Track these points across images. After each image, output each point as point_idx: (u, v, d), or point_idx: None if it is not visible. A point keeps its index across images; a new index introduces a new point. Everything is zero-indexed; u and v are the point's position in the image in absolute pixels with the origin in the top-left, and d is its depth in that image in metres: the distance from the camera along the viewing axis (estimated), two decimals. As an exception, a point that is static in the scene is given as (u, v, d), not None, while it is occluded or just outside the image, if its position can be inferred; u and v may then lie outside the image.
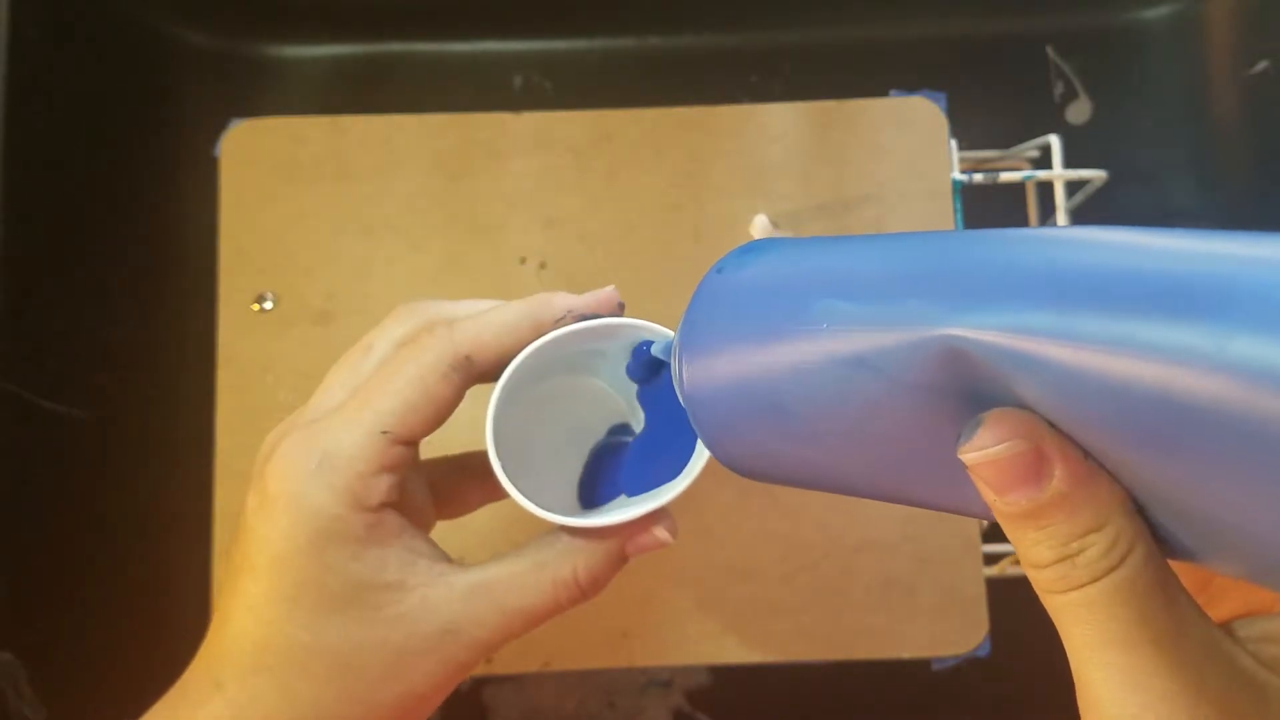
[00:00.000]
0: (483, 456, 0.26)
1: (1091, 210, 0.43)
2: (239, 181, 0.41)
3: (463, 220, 0.42)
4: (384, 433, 0.24)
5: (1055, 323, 0.15)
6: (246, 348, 0.40)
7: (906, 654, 0.39)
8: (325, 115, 0.42)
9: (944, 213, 0.42)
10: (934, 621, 0.39)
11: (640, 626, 0.39)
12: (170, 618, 0.42)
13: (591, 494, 0.30)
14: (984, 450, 0.16)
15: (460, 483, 0.31)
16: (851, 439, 0.19)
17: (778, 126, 0.43)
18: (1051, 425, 0.15)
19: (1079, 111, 0.48)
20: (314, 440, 0.24)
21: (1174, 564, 0.20)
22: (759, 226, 0.41)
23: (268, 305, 0.40)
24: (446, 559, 0.26)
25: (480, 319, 0.26)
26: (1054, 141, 0.42)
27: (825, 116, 0.43)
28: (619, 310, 0.28)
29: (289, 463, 0.24)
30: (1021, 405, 0.16)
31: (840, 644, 0.39)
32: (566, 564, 0.26)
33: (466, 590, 0.25)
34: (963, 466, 0.16)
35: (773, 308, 0.20)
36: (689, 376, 0.22)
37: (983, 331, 0.15)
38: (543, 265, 0.42)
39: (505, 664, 0.39)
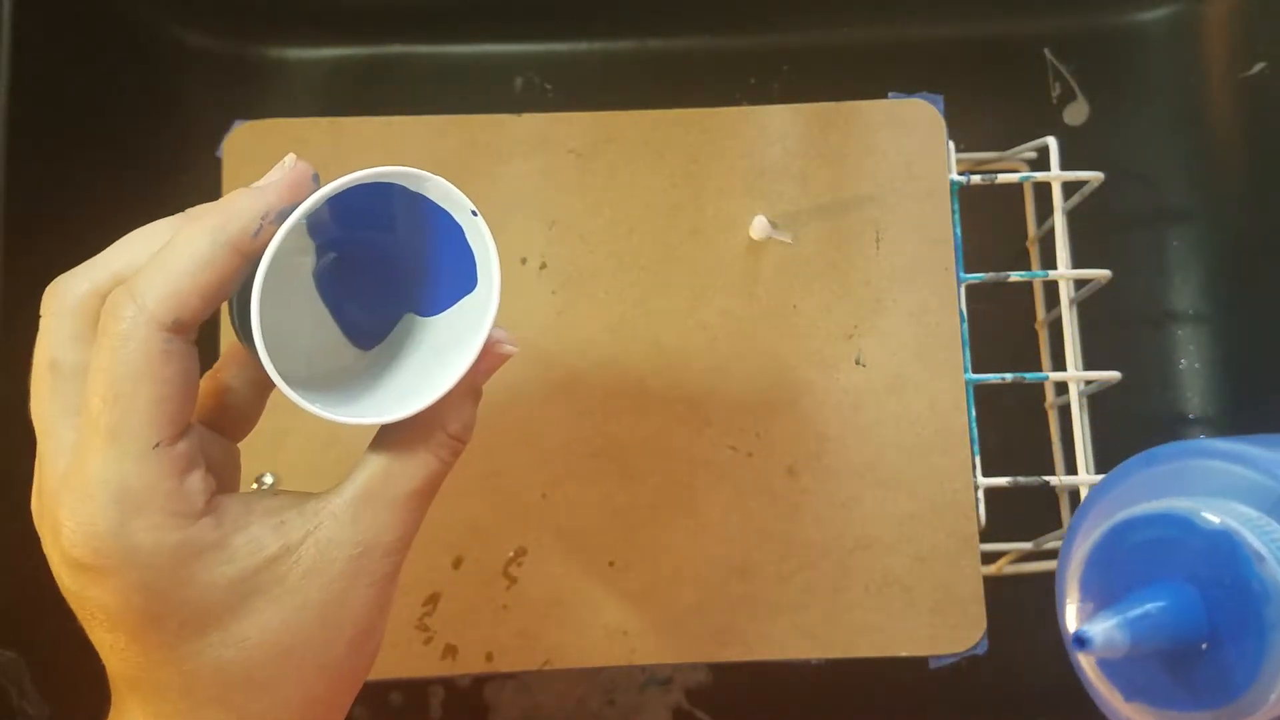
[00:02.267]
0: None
1: (1088, 211, 0.43)
2: (242, 182, 0.41)
3: (464, 221, 0.42)
4: (156, 446, 0.21)
5: None
6: (249, 348, 0.40)
7: (904, 652, 0.39)
8: (327, 117, 0.43)
9: (942, 214, 0.42)
10: (932, 620, 0.39)
11: (640, 625, 0.39)
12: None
13: (367, 330, 0.27)
14: None
15: (246, 406, 0.28)
16: None
17: (777, 128, 0.43)
18: None
19: (1076, 113, 0.49)
20: (94, 491, 0.21)
21: None
22: (758, 228, 0.41)
23: (270, 305, 0.41)
24: (307, 495, 0.24)
25: (164, 270, 0.21)
26: (1051, 143, 0.42)
27: (824, 118, 0.43)
28: (314, 180, 0.24)
29: (88, 528, 0.21)
30: None
31: (839, 642, 0.39)
32: (435, 430, 0.24)
33: (350, 511, 0.24)
34: None
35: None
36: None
37: None
38: (544, 265, 0.42)
39: (505, 662, 0.39)
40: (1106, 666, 0.18)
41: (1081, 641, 0.17)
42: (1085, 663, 0.18)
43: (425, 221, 0.25)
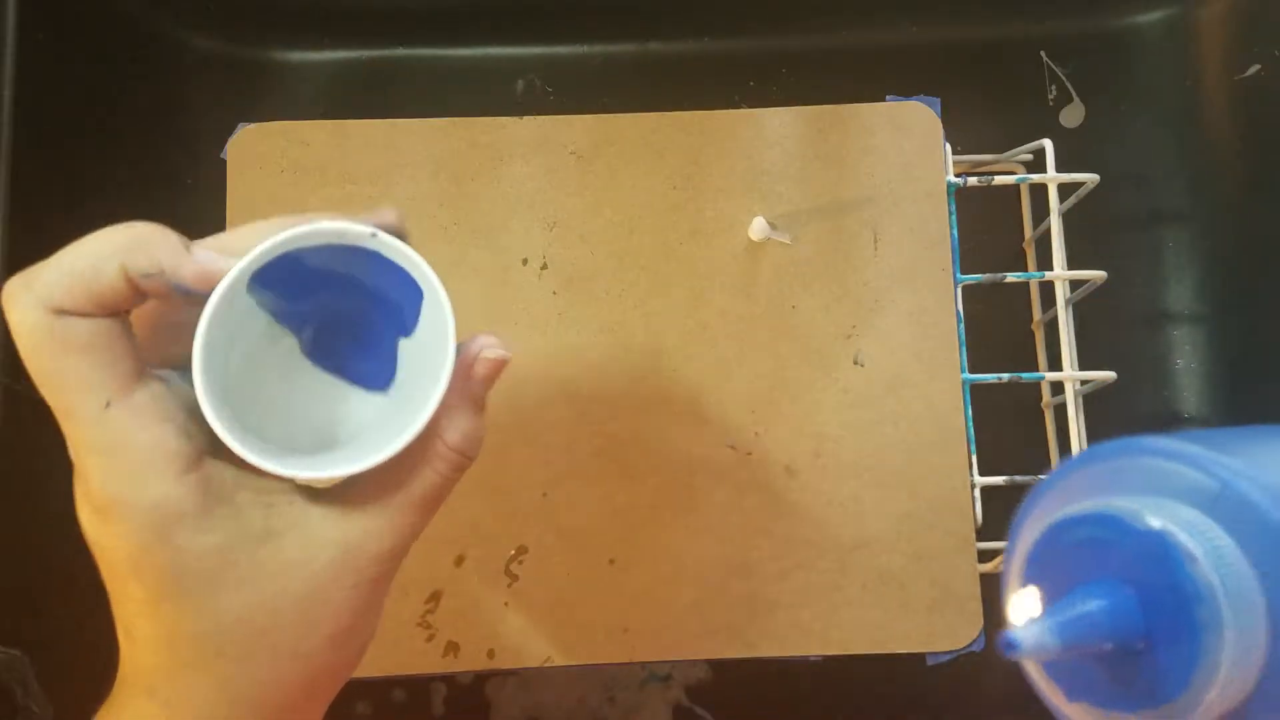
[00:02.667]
0: None
1: (1084, 213, 0.44)
2: (245, 184, 0.42)
3: (466, 222, 0.42)
4: (107, 406, 0.22)
5: None
6: (252, 348, 0.41)
7: (902, 649, 0.40)
8: (330, 119, 0.43)
9: (939, 215, 0.42)
10: (929, 617, 0.40)
11: (640, 622, 0.40)
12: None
13: (377, 372, 0.27)
14: None
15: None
16: None
17: (776, 130, 0.43)
18: None
19: (1072, 115, 0.49)
20: (88, 452, 0.22)
21: None
22: (757, 229, 0.41)
23: (273, 306, 0.41)
24: (301, 487, 0.24)
25: (57, 265, 0.22)
26: (1047, 145, 0.42)
27: (822, 120, 0.43)
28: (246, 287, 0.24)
29: (101, 475, 0.22)
30: None
31: (837, 639, 0.40)
32: (430, 443, 0.24)
33: (339, 511, 0.24)
34: None
35: None
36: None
37: None
38: (544, 266, 0.42)
39: (507, 660, 0.39)
40: (1050, 667, 0.17)
41: (1010, 645, 0.17)
42: (1028, 664, 0.18)
43: (356, 257, 0.25)
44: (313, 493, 0.24)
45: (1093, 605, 0.16)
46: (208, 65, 0.47)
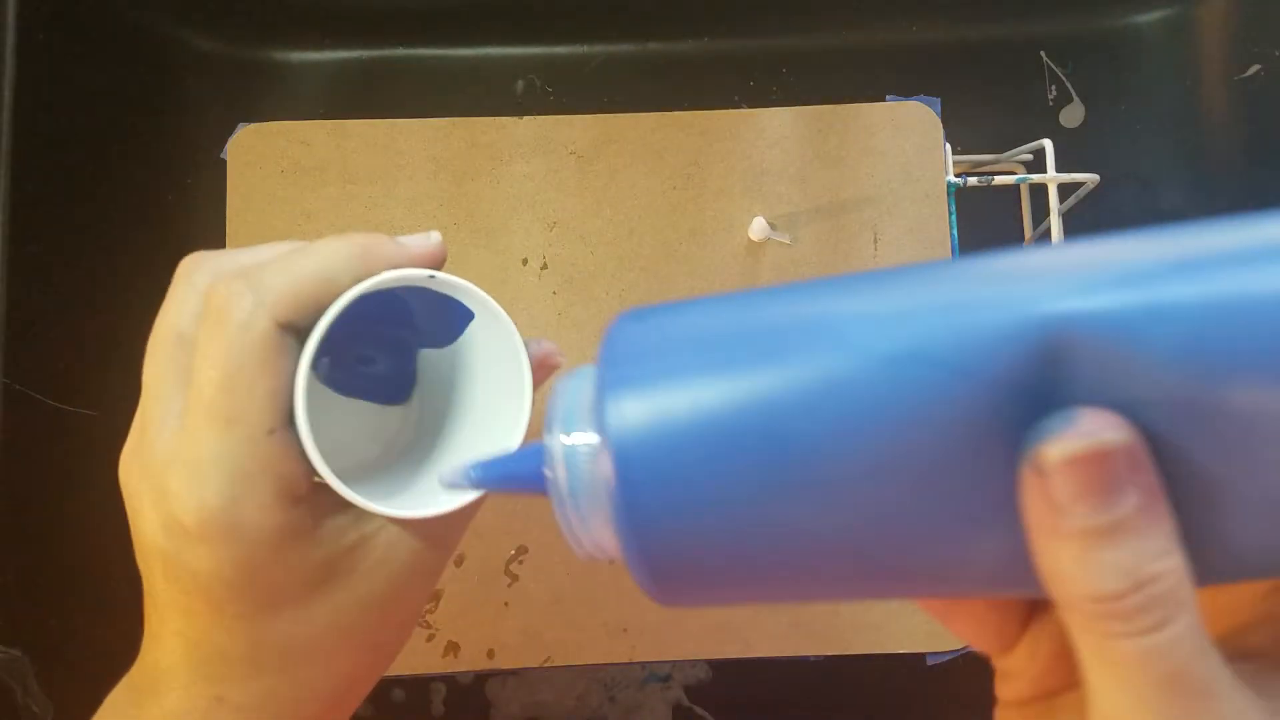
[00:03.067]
0: None
1: (1085, 213, 0.44)
2: (245, 184, 0.42)
3: (466, 222, 0.42)
4: (271, 433, 0.22)
5: (1187, 291, 0.13)
6: (253, 348, 0.41)
7: (902, 649, 0.40)
8: (330, 119, 0.43)
9: (939, 215, 0.42)
10: (928, 618, 0.40)
11: (640, 622, 0.40)
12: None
13: (391, 381, 0.28)
14: (1070, 444, 0.13)
15: None
16: (876, 473, 0.15)
17: (776, 130, 0.43)
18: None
19: (1072, 115, 0.49)
20: (210, 468, 0.22)
21: None
22: (757, 229, 0.41)
23: (274, 306, 0.41)
24: None
25: (290, 270, 0.22)
26: (1047, 145, 0.42)
27: (822, 120, 0.43)
28: (440, 263, 0.25)
29: (199, 500, 0.22)
30: (1108, 404, 0.14)
31: (836, 639, 0.40)
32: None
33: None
34: (999, 501, 0.14)
35: (777, 317, 0.16)
36: (623, 439, 0.15)
37: (1097, 305, 0.14)
38: (544, 266, 0.42)
39: (507, 659, 0.39)
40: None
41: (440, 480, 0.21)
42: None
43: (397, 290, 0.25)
44: None
45: (505, 457, 0.20)
46: (208, 65, 0.47)
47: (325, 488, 0.23)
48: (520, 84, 0.49)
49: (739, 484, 0.15)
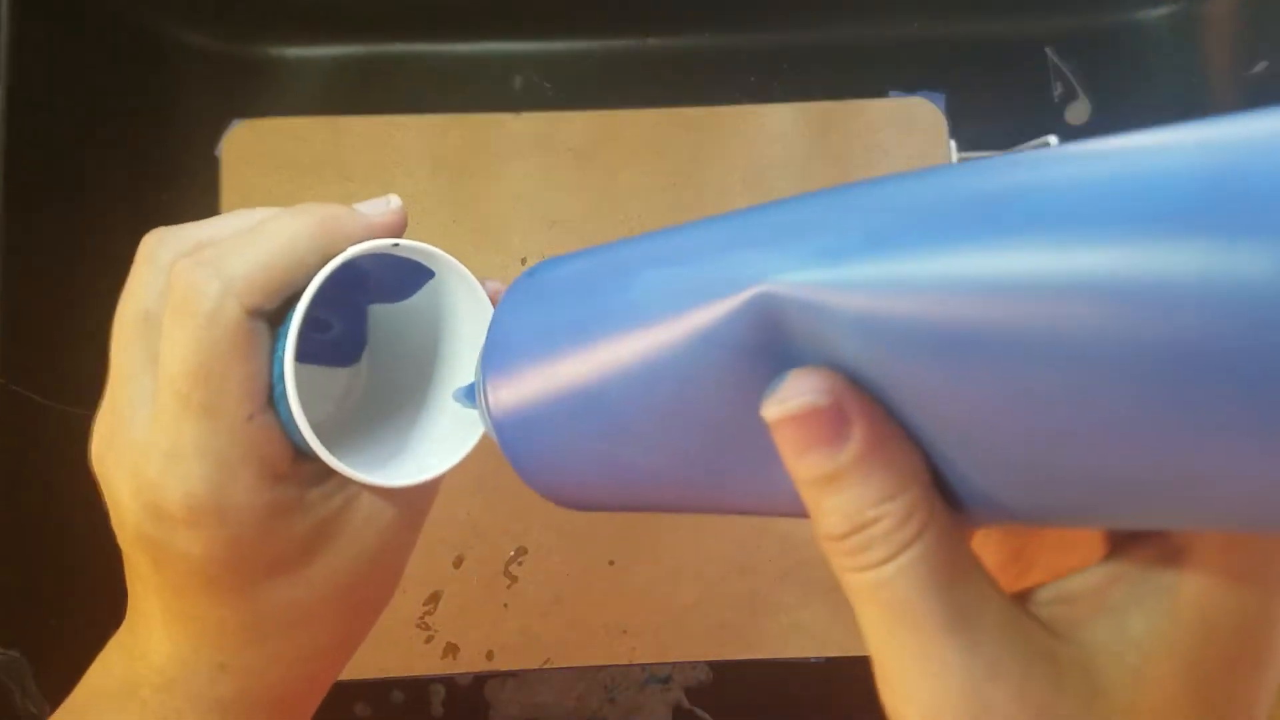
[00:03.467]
0: None
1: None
2: (240, 182, 0.42)
3: (464, 220, 0.42)
4: (250, 419, 0.22)
5: (861, 270, 0.15)
6: (249, 348, 0.40)
7: (904, 651, 0.39)
8: (326, 116, 0.43)
9: (942, 213, 0.42)
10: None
11: (640, 623, 0.40)
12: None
13: (343, 343, 0.29)
14: (784, 404, 0.15)
15: None
16: (673, 426, 0.18)
17: (777, 127, 0.43)
18: (857, 385, 0.15)
19: (1078, 112, 0.49)
20: (192, 459, 0.22)
21: (984, 534, 0.20)
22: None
23: (270, 305, 0.41)
24: None
25: (253, 252, 0.22)
26: (1053, 142, 0.42)
27: (824, 116, 0.43)
28: (400, 230, 0.25)
29: (186, 490, 0.22)
30: (832, 363, 0.15)
31: (839, 640, 0.40)
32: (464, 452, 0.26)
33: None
34: (773, 446, 0.16)
35: (592, 293, 0.19)
36: (497, 399, 0.20)
37: (790, 285, 0.15)
38: (543, 265, 0.42)
39: (506, 661, 0.39)
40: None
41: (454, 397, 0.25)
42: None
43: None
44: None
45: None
46: (202, 61, 0.47)
47: (305, 458, 0.24)
48: (518, 80, 0.48)
49: (568, 432, 0.19)
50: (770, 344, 0.16)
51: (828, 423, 0.15)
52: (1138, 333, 0.12)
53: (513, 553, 0.40)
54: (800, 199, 0.17)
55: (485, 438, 0.24)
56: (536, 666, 0.39)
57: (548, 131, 0.43)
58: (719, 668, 0.44)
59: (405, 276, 0.26)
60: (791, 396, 0.15)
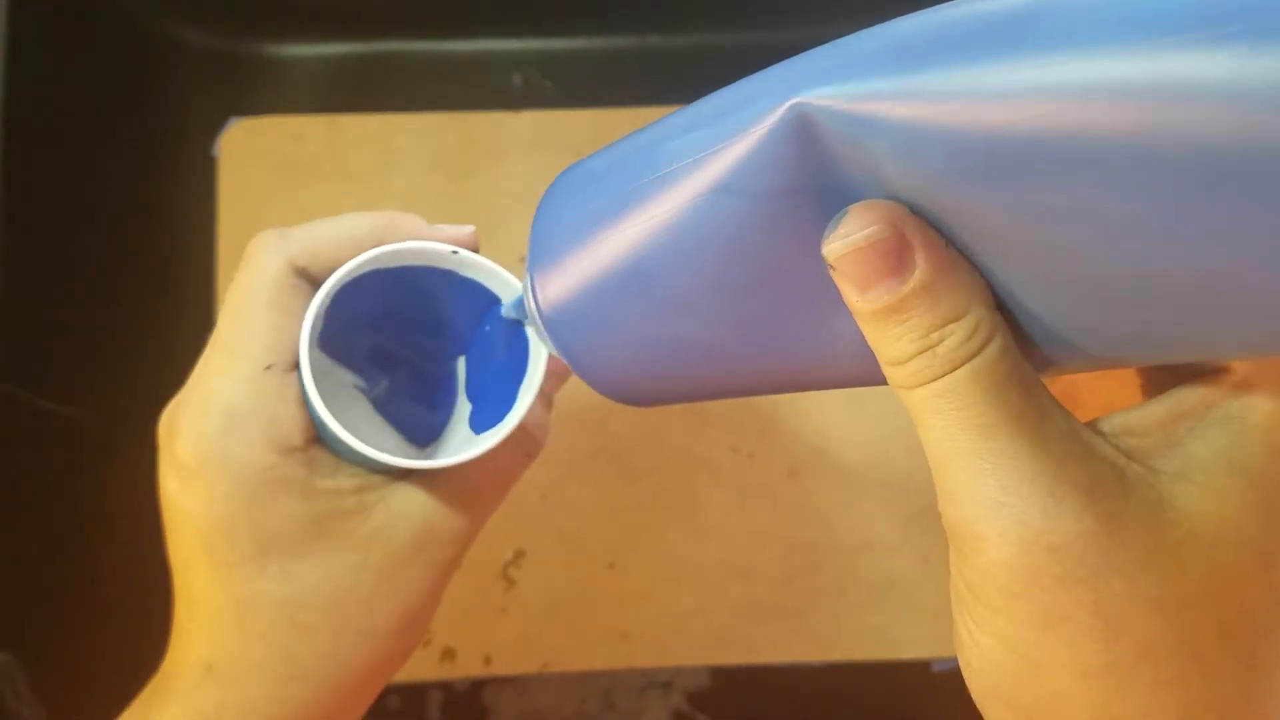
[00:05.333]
0: None
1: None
2: (237, 180, 0.41)
3: (463, 219, 0.41)
4: (268, 368, 0.23)
5: (897, 82, 0.14)
6: (245, 347, 0.40)
7: (907, 655, 0.39)
8: (324, 114, 0.42)
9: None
10: (935, 622, 0.39)
11: (639, 627, 0.39)
12: (170, 617, 0.42)
13: (429, 428, 0.29)
14: (846, 238, 0.15)
15: None
16: (725, 292, 0.17)
17: (778, 125, 0.43)
18: (916, 213, 0.15)
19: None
20: (209, 402, 0.23)
21: None
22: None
23: (266, 305, 0.40)
24: (385, 472, 0.25)
25: (312, 226, 0.24)
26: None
27: (826, 115, 0.43)
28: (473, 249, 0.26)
29: (197, 433, 0.23)
30: (886, 196, 0.15)
31: (840, 645, 0.39)
32: (508, 428, 0.25)
33: (425, 488, 0.24)
34: (834, 296, 0.16)
35: (623, 175, 0.18)
36: (545, 297, 0.20)
37: (825, 99, 0.15)
38: (542, 265, 0.42)
39: (504, 665, 0.39)
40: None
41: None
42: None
43: (419, 278, 0.26)
44: (402, 474, 0.25)
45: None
46: (199, 59, 0.47)
47: (325, 453, 0.24)
48: (518, 78, 0.48)
49: (623, 317, 0.19)
50: (812, 183, 0.16)
51: (891, 252, 0.15)
52: (1166, 134, 0.12)
53: (511, 556, 0.40)
54: (819, 48, 0.16)
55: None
56: (535, 671, 0.39)
57: (548, 130, 0.42)
58: (719, 673, 0.44)
59: (469, 307, 0.26)
60: (854, 230, 0.15)
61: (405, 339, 0.27)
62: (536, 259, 0.20)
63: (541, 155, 0.42)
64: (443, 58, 0.48)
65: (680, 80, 0.48)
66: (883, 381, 0.18)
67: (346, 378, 0.28)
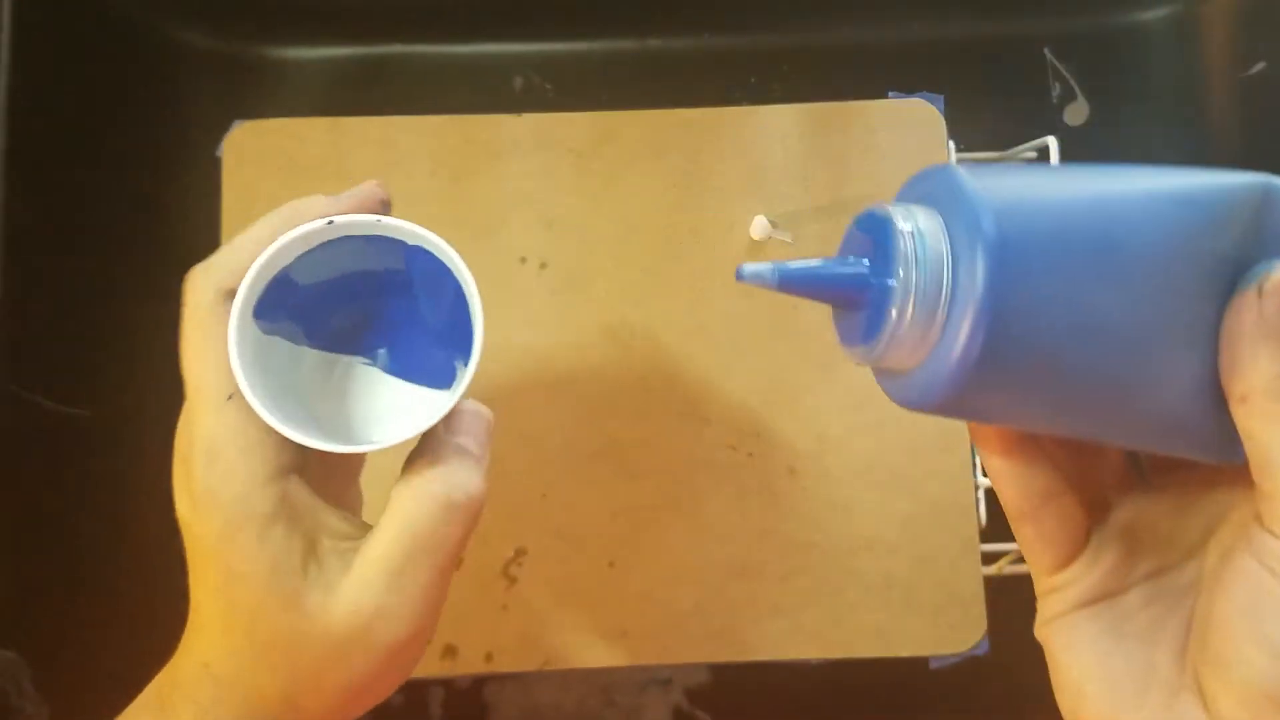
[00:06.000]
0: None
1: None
2: (241, 182, 0.42)
3: (464, 221, 0.42)
4: (229, 398, 0.24)
5: None
6: (248, 348, 0.40)
7: (905, 652, 0.39)
8: (326, 117, 0.43)
9: (942, 214, 0.42)
10: (933, 620, 0.39)
11: (639, 625, 0.39)
12: (172, 616, 0.42)
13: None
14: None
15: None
16: (1161, 287, 0.19)
17: (777, 128, 0.43)
18: None
19: (1076, 113, 0.49)
20: (196, 441, 0.24)
21: None
22: (758, 227, 0.41)
23: (269, 305, 0.41)
24: (357, 532, 0.25)
25: (231, 246, 0.25)
26: (1051, 143, 0.42)
27: (824, 118, 0.43)
28: (382, 210, 0.26)
29: (192, 471, 0.24)
30: None
31: (839, 642, 0.39)
32: (435, 505, 0.25)
33: (381, 574, 0.24)
34: (1203, 327, 0.19)
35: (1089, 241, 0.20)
36: (1001, 234, 0.19)
37: None
38: (543, 265, 0.42)
39: (505, 663, 0.39)
40: (837, 324, 0.22)
41: (739, 273, 0.21)
42: (833, 327, 0.22)
43: (370, 251, 0.26)
44: (356, 547, 0.25)
45: (819, 263, 0.21)
46: (202, 62, 0.47)
47: (302, 493, 0.24)
48: (518, 81, 0.48)
49: (1068, 286, 0.19)
50: (1252, 246, 0.20)
51: None
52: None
53: (512, 554, 0.40)
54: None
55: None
56: (536, 669, 0.39)
57: (548, 132, 0.43)
58: (719, 670, 0.44)
59: (436, 278, 0.26)
60: None
61: (377, 305, 0.28)
62: (982, 203, 0.20)
63: (542, 157, 0.43)
64: (444, 61, 0.48)
65: (679, 83, 0.48)
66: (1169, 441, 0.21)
67: (355, 361, 0.29)
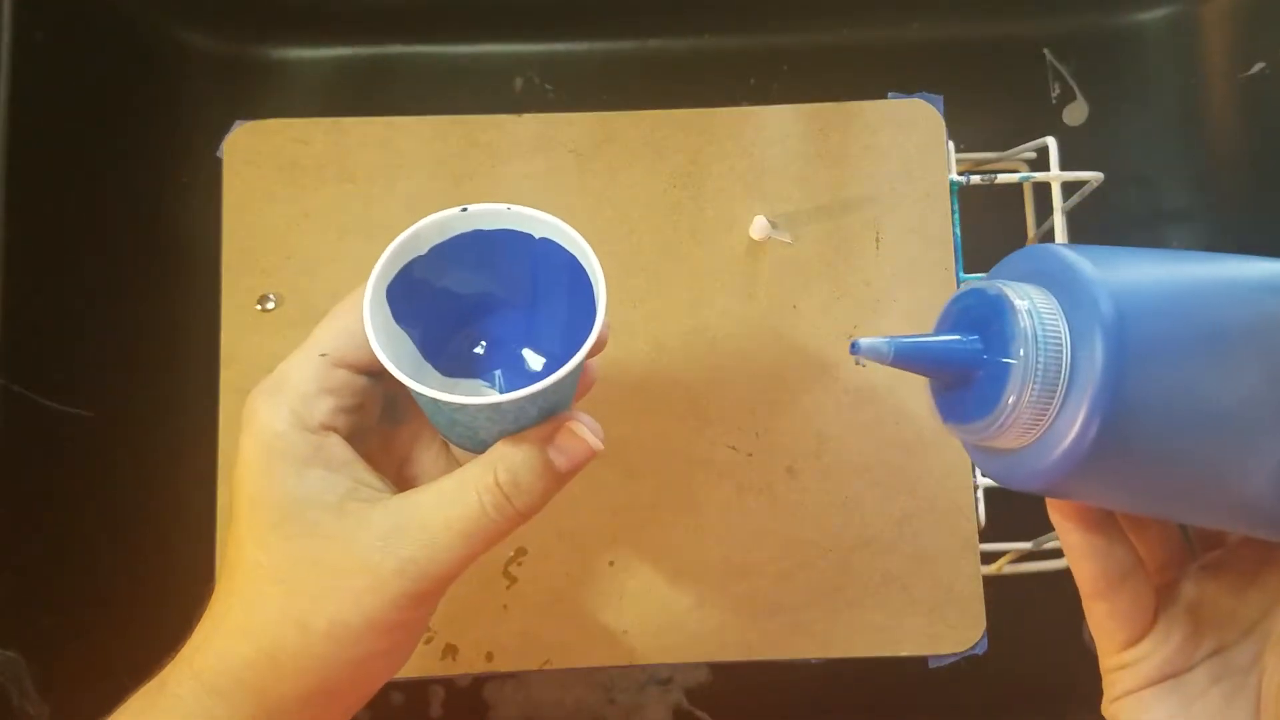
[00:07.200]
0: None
1: (1088, 212, 0.43)
2: (242, 183, 0.42)
3: (464, 221, 0.42)
4: (322, 355, 0.26)
5: None
6: (249, 347, 0.40)
7: (904, 651, 0.39)
8: (328, 117, 0.43)
9: (941, 214, 0.42)
10: (932, 619, 0.39)
11: (639, 624, 0.39)
12: (173, 615, 0.42)
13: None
14: None
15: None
16: (1264, 375, 0.19)
17: (777, 128, 0.43)
18: None
19: (1076, 113, 0.49)
20: (273, 374, 0.26)
21: None
22: (758, 228, 0.41)
23: (270, 305, 0.41)
24: (393, 490, 0.26)
25: (289, 363, 0.27)
26: (1051, 143, 0.42)
27: (823, 118, 0.43)
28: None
29: (254, 395, 0.26)
30: None
31: (838, 642, 0.39)
32: (487, 471, 0.25)
33: (398, 510, 0.25)
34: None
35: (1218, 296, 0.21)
36: (1123, 317, 0.19)
37: None
38: (543, 266, 0.42)
39: (505, 662, 0.39)
40: (939, 399, 0.22)
41: (853, 346, 0.21)
42: (931, 401, 0.22)
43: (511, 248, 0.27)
44: (395, 494, 0.26)
45: (931, 339, 0.21)
46: (204, 63, 0.47)
47: (341, 448, 0.26)
48: (519, 82, 0.48)
49: (1181, 372, 0.19)
50: None
51: None
52: None
53: (512, 553, 0.40)
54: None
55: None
56: (536, 668, 0.39)
57: (548, 133, 0.43)
58: (719, 669, 0.44)
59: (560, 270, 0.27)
60: None
61: (491, 325, 0.29)
62: (1102, 287, 0.20)
63: (543, 158, 0.43)
64: (445, 62, 0.48)
65: (679, 84, 0.48)
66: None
67: (476, 384, 0.29)
